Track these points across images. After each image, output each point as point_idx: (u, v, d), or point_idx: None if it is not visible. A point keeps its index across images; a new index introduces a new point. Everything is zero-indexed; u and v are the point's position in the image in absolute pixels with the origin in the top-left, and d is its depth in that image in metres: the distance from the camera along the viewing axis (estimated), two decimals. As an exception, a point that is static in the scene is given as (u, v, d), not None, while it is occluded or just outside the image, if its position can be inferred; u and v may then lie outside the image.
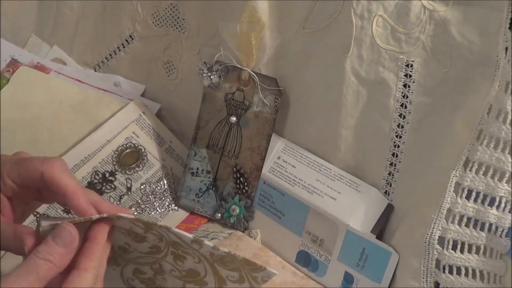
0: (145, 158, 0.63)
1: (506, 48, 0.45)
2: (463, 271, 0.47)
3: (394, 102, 0.51)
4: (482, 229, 0.47)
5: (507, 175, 0.46)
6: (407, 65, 0.50)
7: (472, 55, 0.47)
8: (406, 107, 0.51)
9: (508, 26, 0.45)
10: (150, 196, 0.62)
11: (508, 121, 0.44)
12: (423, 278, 0.48)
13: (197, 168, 0.61)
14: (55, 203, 0.42)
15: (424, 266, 0.48)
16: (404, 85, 0.50)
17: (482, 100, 0.46)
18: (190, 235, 0.39)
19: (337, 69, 0.52)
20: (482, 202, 0.47)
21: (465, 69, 0.48)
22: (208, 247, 0.39)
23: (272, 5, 0.55)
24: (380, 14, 0.49)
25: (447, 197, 0.47)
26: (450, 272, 0.47)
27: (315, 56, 0.54)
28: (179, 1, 0.61)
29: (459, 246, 0.47)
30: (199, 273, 0.42)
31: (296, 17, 0.54)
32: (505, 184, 0.46)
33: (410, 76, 0.50)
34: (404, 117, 0.51)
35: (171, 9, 0.62)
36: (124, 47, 0.66)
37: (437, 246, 0.47)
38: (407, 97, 0.51)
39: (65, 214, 0.56)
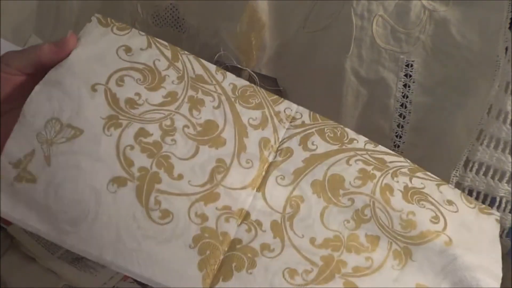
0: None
1: (506, 48, 0.45)
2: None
3: (394, 102, 0.51)
4: (482, 229, 0.47)
5: (508, 175, 0.46)
6: (407, 65, 0.50)
7: (472, 55, 0.47)
8: (406, 107, 0.51)
9: (508, 26, 0.45)
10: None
11: (508, 121, 0.44)
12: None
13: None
14: None
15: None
16: (404, 85, 0.50)
17: (482, 100, 0.46)
18: (214, 65, 0.41)
19: (337, 69, 0.52)
20: (483, 202, 0.47)
21: (465, 69, 0.48)
22: (231, 77, 0.41)
23: (272, 5, 0.55)
24: (380, 14, 0.49)
25: (447, 197, 0.47)
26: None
27: (315, 56, 0.54)
28: (179, 1, 0.61)
29: (459, 246, 0.47)
30: (217, 125, 0.40)
31: (296, 17, 0.54)
32: (505, 184, 0.46)
33: (410, 76, 0.50)
34: (404, 117, 0.51)
35: (171, 9, 0.62)
36: (124, 47, 0.67)
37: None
38: (407, 97, 0.51)
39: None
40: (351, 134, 0.41)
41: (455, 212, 0.39)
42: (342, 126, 0.42)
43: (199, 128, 0.39)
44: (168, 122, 0.39)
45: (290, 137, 0.40)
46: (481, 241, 0.39)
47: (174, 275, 0.35)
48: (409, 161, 0.41)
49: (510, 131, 0.44)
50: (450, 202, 0.39)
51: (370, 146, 0.41)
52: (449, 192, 0.40)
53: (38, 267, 0.55)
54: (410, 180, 0.40)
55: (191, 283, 0.35)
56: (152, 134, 0.38)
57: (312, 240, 0.37)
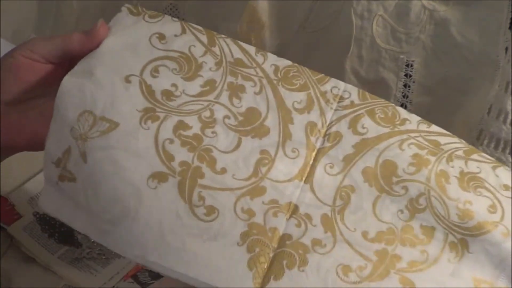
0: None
1: (506, 48, 0.45)
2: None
3: (394, 102, 0.51)
4: (482, 229, 0.47)
5: (507, 175, 0.46)
6: (407, 65, 0.50)
7: (472, 55, 0.47)
8: (406, 107, 0.51)
9: (508, 26, 0.45)
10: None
11: (508, 121, 0.44)
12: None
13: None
14: None
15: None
16: (404, 85, 0.50)
17: (482, 100, 0.46)
18: (253, 47, 0.39)
19: (337, 69, 0.52)
20: (482, 202, 0.47)
21: (465, 69, 0.48)
22: (273, 58, 0.38)
23: (272, 5, 0.55)
24: (380, 14, 0.49)
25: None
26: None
27: (315, 56, 0.54)
28: (179, 1, 0.61)
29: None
30: (260, 112, 0.37)
31: (296, 17, 0.54)
32: (505, 184, 0.46)
33: (410, 76, 0.50)
34: (404, 117, 0.51)
35: (171, 9, 0.62)
36: (124, 47, 0.67)
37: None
38: (407, 97, 0.51)
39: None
40: (403, 113, 0.39)
41: None
42: (393, 105, 0.39)
43: (240, 118, 0.37)
44: (207, 114, 0.37)
45: (338, 120, 0.38)
46: None
47: (223, 275, 0.33)
48: (463, 141, 0.39)
49: (510, 131, 0.44)
50: (506, 187, 0.37)
51: (423, 127, 0.39)
52: (506, 174, 0.38)
53: (38, 267, 0.55)
54: (466, 163, 0.37)
55: (241, 283, 0.33)
56: (191, 127, 0.36)
57: (365, 234, 0.35)
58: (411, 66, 0.50)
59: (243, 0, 0.55)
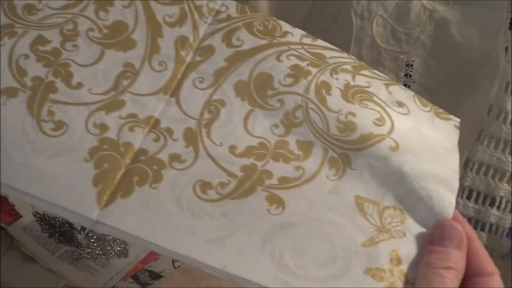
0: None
1: (506, 48, 0.45)
2: (463, 271, 0.47)
3: (394, 102, 0.51)
4: (482, 229, 0.47)
5: (508, 175, 0.46)
6: (407, 65, 0.50)
7: (472, 55, 0.47)
8: (406, 107, 0.51)
9: (508, 26, 0.45)
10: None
11: (508, 121, 0.44)
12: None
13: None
14: None
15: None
16: (404, 85, 0.50)
17: (482, 100, 0.46)
18: None
19: (337, 69, 0.52)
20: (483, 202, 0.47)
21: (465, 69, 0.48)
22: None
23: (272, 5, 0.55)
24: (380, 14, 0.49)
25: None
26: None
27: (315, 56, 0.54)
28: (179, 1, 0.61)
29: (459, 246, 0.47)
30: (127, 25, 0.35)
31: (296, 17, 0.54)
32: (505, 184, 0.46)
33: (410, 76, 0.50)
34: (404, 117, 0.51)
35: (171, 9, 0.62)
36: (124, 47, 0.66)
37: (437, 246, 0.47)
38: (407, 97, 0.51)
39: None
40: (286, 26, 0.36)
41: (405, 114, 0.35)
42: (275, 18, 0.36)
43: (105, 31, 0.35)
44: (70, 26, 0.35)
45: (212, 33, 0.36)
46: (435, 148, 0.34)
47: (65, 192, 0.31)
48: (354, 58, 0.36)
49: (510, 131, 0.44)
50: (400, 104, 0.35)
51: (307, 40, 0.36)
52: (400, 93, 0.36)
53: (38, 267, 0.55)
54: (353, 78, 0.35)
55: (83, 200, 0.31)
56: (51, 41, 0.34)
57: (232, 148, 0.33)
58: (411, 66, 0.50)
59: (243, 0, 0.55)
